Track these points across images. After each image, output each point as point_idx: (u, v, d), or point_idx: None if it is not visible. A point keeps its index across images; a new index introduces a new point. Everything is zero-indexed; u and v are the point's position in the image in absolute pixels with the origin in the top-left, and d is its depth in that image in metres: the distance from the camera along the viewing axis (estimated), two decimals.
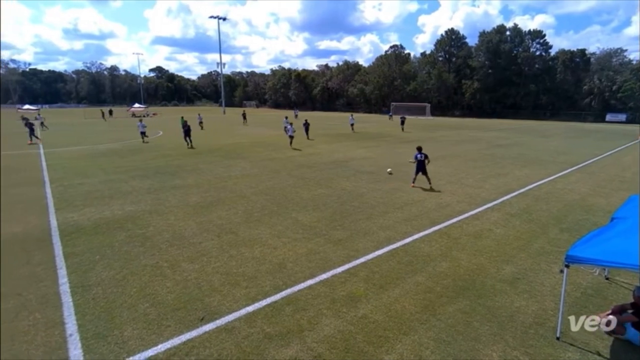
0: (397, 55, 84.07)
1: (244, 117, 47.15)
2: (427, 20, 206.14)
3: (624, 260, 4.09)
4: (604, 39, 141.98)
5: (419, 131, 36.01)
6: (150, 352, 4.40)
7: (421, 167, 12.43)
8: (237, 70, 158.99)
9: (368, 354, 4.44)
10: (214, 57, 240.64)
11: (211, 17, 70.63)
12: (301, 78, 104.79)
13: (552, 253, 7.25)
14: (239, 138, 29.04)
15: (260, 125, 42.76)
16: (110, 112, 63.70)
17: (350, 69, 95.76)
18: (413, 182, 12.73)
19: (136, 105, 76.61)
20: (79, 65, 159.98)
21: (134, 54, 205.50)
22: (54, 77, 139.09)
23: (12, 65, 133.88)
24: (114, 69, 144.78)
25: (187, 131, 23.31)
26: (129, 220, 9.17)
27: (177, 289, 5.87)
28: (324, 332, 4.79)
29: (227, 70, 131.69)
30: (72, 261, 6.84)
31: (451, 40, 75.64)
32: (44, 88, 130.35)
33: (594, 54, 67.43)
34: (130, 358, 4.31)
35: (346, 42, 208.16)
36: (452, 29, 75.92)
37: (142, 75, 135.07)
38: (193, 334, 4.76)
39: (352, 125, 35.18)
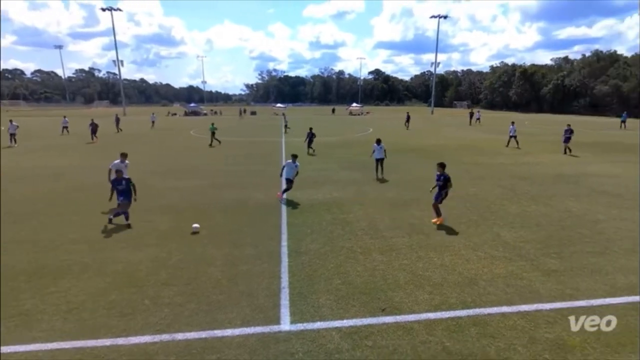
0: None
1: (472, 116, 45.08)
2: None
3: None
4: None
5: None
6: (336, 323, 4.96)
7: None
8: (452, 69, 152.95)
9: None
10: (429, 57, 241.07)
11: (432, 16, 70.47)
12: (527, 75, 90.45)
13: None
14: (445, 139, 28.08)
15: (467, 127, 39.86)
16: (333, 111, 74.30)
17: (602, 61, 75.27)
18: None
19: (354, 104, 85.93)
20: (316, 71, 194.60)
21: (357, 59, 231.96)
22: (298, 82, 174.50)
23: (274, 74, 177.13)
24: (340, 73, 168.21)
25: (310, 139, 21.18)
26: (335, 205, 10.51)
27: (366, 275, 6.33)
28: None
29: (440, 70, 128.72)
30: (292, 230, 8.49)
31: None
32: (290, 90, 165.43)
33: None
34: (321, 323, 4.99)
35: (600, 27, 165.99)
36: None
37: (361, 78, 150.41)
38: (373, 320, 5.03)
39: (511, 137, 23.17)
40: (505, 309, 5.31)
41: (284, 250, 7.37)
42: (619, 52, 78.04)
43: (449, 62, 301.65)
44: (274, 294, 5.74)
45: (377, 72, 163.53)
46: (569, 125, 21.15)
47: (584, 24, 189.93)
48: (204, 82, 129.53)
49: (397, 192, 11.92)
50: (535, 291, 5.79)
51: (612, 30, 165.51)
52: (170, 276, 6.31)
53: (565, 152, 20.29)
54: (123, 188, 8.73)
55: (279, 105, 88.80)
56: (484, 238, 8.03)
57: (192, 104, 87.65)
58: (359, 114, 69.16)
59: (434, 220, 8.99)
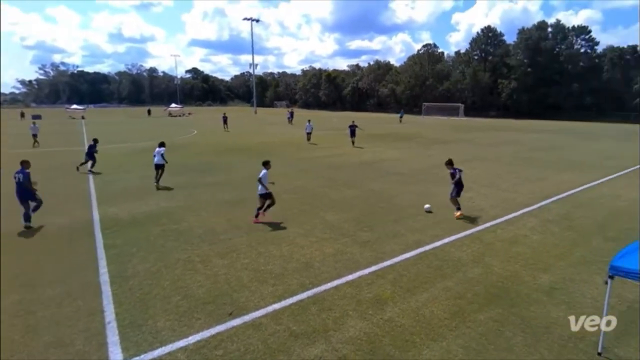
0: (429, 55, 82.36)
1: (292, 116, 46.90)
2: (461, 18, 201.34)
3: None
4: None
5: (452, 132, 35.03)
6: (181, 343, 4.56)
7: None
8: (269, 71, 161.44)
9: (394, 358, 4.37)
10: (247, 58, 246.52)
11: (245, 19, 72.61)
12: (331, 78, 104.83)
13: (595, 263, 6.81)
14: (269, 137, 29.52)
15: (287, 125, 43.24)
16: (149, 112, 66.77)
17: (381, 69, 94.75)
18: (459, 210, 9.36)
19: (173, 105, 79.55)
20: (122, 67, 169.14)
21: (171, 56, 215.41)
22: (99, 79, 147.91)
23: (62, 68, 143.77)
24: (152, 70, 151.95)
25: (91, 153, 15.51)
26: (164, 215, 9.55)
27: (208, 284, 6.05)
28: (350, 334, 4.77)
29: (259, 71, 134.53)
30: (112, 252, 7.23)
31: (487, 38, 73.04)
32: (89, 89, 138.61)
33: None
34: (162, 348, 4.48)
35: (377, 42, 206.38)
36: (489, 26, 73.58)
37: (179, 77, 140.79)
38: (221, 328, 4.88)
39: (308, 134, 25.89)
40: (336, 282, 6.09)
41: (105, 278, 6.21)
42: (391, 63, 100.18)
43: (266, 64, 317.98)
44: (96, 333, 4.78)
45: (195, 71, 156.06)
46: (353, 121, 25.34)
47: (367, 38, 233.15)
48: None
49: (230, 193, 11.83)
50: (356, 261, 6.88)
51: (386, 44, 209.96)
52: None
53: (353, 144, 23.73)
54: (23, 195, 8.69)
55: (74, 106, 73.01)
56: (313, 224, 8.94)
57: None
58: (179, 115, 64.63)
59: (457, 214, 9.22)
